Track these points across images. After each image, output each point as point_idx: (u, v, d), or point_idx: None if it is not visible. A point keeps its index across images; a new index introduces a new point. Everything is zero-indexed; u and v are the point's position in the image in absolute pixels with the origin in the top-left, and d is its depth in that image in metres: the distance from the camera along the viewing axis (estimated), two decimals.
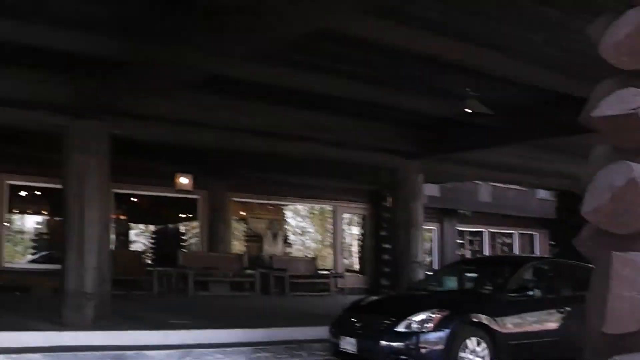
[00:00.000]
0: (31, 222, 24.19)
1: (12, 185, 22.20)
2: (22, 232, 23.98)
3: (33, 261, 23.33)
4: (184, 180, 22.85)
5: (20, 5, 9.69)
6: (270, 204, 27.87)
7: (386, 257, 23.51)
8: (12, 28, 10.30)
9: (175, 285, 21.78)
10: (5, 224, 22.22)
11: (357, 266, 29.20)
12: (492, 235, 33.84)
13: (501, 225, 33.28)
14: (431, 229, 30.15)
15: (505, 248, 34.23)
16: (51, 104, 13.24)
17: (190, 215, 26.42)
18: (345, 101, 14.31)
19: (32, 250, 23.94)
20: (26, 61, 12.11)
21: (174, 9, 9.26)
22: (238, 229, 27.08)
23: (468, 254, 32.48)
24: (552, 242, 31.39)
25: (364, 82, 13.25)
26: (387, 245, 23.06)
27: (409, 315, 10.50)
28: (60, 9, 9.79)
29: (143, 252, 24.85)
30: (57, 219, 21.17)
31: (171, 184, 22.89)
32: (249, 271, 23.48)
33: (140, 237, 27.51)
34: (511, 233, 34.40)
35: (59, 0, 9.43)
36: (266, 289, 23.10)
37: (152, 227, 27.63)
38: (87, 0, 9.42)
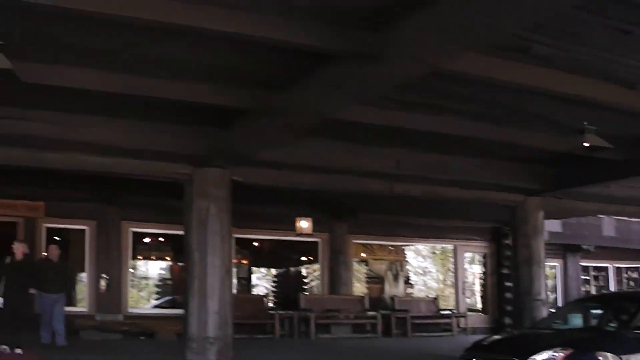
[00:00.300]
0: (155, 268, 24.67)
1: (135, 233, 22.78)
2: (146, 278, 24.48)
3: (157, 306, 23.81)
4: (304, 224, 23.06)
5: (147, 59, 10.00)
6: (391, 245, 27.79)
7: (509, 295, 23.23)
8: (137, 82, 10.63)
9: (297, 328, 21.89)
10: (130, 270, 22.77)
11: (479, 305, 28.84)
12: (618, 270, 32.96)
13: (627, 259, 32.40)
14: (554, 265, 29.61)
15: (632, 283, 33.36)
16: (174, 153, 13.65)
17: (312, 258, 26.54)
18: (463, 140, 14.22)
19: (156, 296, 24.42)
20: (150, 113, 12.49)
21: (292, 57, 9.40)
22: (359, 270, 27.09)
23: (593, 290, 31.76)
24: None
25: (480, 120, 13.17)
26: (509, 284, 22.77)
27: (532, 355, 10.35)
28: (183, 61, 10.07)
29: (265, 296, 25.04)
30: (180, 264, 21.61)
31: (292, 228, 23.12)
32: (370, 313, 23.45)
33: (262, 280, 27.75)
34: (637, 267, 33.50)
35: (182, 52, 9.66)
36: (388, 330, 23.03)
37: (273, 271, 27.82)
38: (208, 52, 9.64)
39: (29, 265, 15.73)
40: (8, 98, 11.55)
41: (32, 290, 15.77)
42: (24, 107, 12.19)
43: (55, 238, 19.90)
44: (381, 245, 27.40)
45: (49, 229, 21.57)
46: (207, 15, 7.90)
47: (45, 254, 17.89)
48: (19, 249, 15.24)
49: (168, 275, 24.93)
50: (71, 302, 18.60)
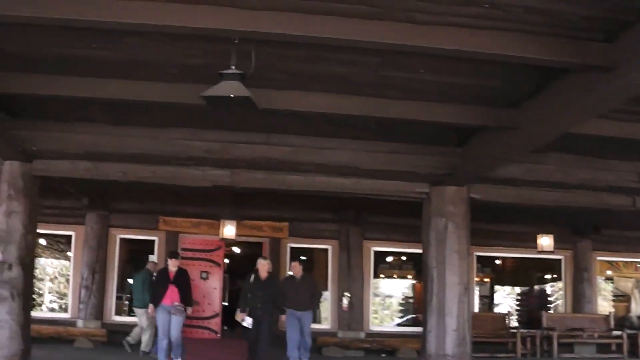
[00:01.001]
0: (397, 286, 24.91)
1: (377, 252, 23.19)
2: (389, 296, 24.75)
3: (400, 324, 24.04)
4: (545, 240, 22.78)
5: (381, 81, 10.28)
6: (638, 262, 26.91)
7: None
8: (374, 104, 10.90)
9: (539, 347, 21.59)
10: (372, 288, 23.16)
11: None
12: None
13: None
14: None
15: None
16: (411, 172, 13.87)
17: (555, 276, 26.10)
18: None
19: (399, 314, 24.66)
20: (387, 133, 12.79)
21: (527, 73, 9.40)
22: (604, 288, 26.40)
23: None
24: None
25: None
26: None
27: None
28: (418, 81, 10.24)
29: (507, 314, 24.76)
30: (421, 283, 21.87)
31: (533, 245, 22.88)
32: (615, 332, 22.79)
33: (505, 299, 27.51)
34: None
35: (418, 73, 9.84)
36: (634, 351, 22.28)
37: (517, 289, 27.53)
38: (443, 71, 9.76)
39: (273, 284, 16.09)
40: (249, 124, 12.13)
41: (283, 317, 16.28)
42: (266, 132, 12.76)
43: (302, 258, 20.46)
44: (627, 262, 26.53)
45: (292, 248, 22.35)
46: (443, 36, 8.02)
47: (291, 273, 18.29)
48: (264, 267, 15.58)
49: (410, 294, 25.14)
50: (315, 319, 19.06)
